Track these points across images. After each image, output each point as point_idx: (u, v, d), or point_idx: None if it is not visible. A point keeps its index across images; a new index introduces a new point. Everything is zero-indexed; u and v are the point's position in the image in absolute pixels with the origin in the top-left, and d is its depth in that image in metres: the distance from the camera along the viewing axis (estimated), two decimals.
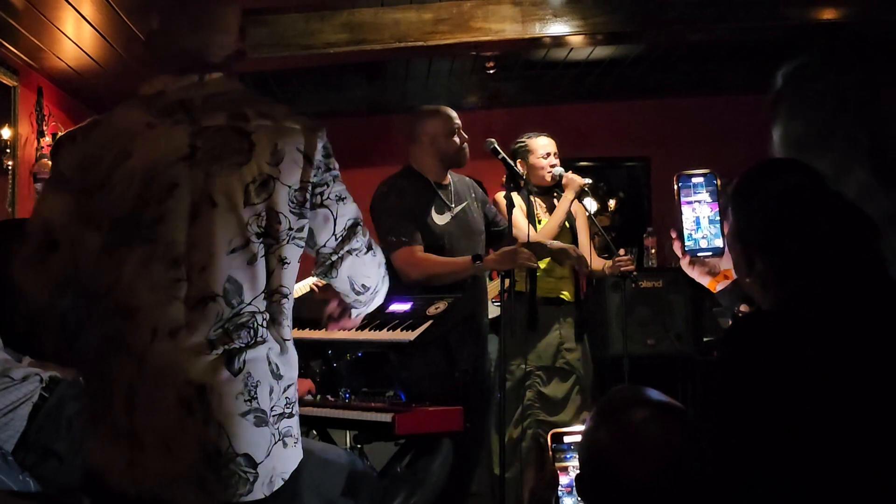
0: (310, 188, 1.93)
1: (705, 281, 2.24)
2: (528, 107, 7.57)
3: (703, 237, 2.19)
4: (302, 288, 5.19)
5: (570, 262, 4.22)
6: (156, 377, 1.80)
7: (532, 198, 4.47)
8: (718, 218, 2.17)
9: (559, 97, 7.58)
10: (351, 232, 2.03)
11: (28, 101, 5.39)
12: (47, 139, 5.48)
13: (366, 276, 2.12)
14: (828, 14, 5.22)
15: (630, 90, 7.49)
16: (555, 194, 4.57)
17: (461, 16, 5.32)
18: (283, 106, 2.00)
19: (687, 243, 2.19)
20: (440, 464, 3.00)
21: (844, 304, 1.71)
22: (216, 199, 1.84)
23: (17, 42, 4.82)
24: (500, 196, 4.29)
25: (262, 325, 1.85)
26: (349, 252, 2.05)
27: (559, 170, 4.50)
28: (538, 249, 4.00)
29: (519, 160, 4.53)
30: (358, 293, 2.15)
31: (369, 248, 2.09)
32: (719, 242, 2.17)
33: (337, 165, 2.02)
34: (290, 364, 1.91)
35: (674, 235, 2.21)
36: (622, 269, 4.44)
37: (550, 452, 2.06)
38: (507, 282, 3.90)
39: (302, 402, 2.51)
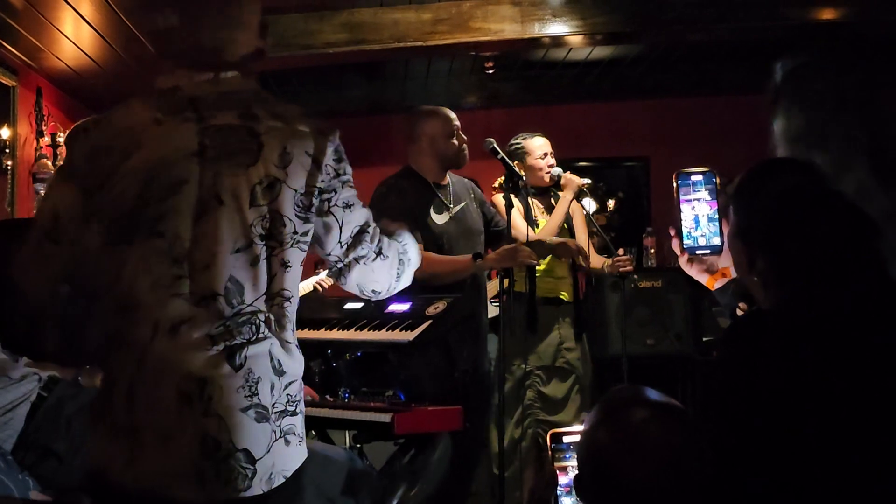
0: (316, 192, 1.91)
1: (703, 279, 2.24)
2: (527, 107, 7.58)
3: (701, 235, 2.19)
4: (305, 287, 5.20)
5: (570, 255, 4.21)
6: (156, 374, 1.80)
7: (529, 199, 4.48)
8: (717, 216, 2.17)
9: (558, 97, 7.58)
10: (357, 240, 2.01)
11: (27, 101, 5.39)
12: (46, 139, 5.48)
13: (375, 282, 2.10)
14: (828, 14, 5.22)
15: (629, 90, 7.49)
16: (552, 195, 4.57)
17: (460, 16, 5.32)
18: (297, 107, 1.98)
19: (686, 241, 2.19)
20: (439, 458, 3.01)
21: (845, 304, 1.71)
22: (223, 198, 1.84)
23: (17, 42, 4.82)
24: (499, 197, 4.29)
25: (263, 323, 1.84)
26: (356, 260, 2.03)
27: (557, 170, 4.50)
28: (538, 248, 4.00)
29: (516, 162, 4.52)
30: (368, 297, 2.15)
31: (379, 253, 2.06)
32: (718, 240, 2.17)
33: (349, 170, 1.99)
34: (294, 361, 1.90)
35: (672, 233, 2.21)
36: (621, 269, 4.44)
37: (549, 452, 2.06)
38: (506, 282, 3.90)
39: None
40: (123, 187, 1.86)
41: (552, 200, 4.56)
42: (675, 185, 2.20)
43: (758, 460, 1.65)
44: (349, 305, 3.62)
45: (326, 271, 4.68)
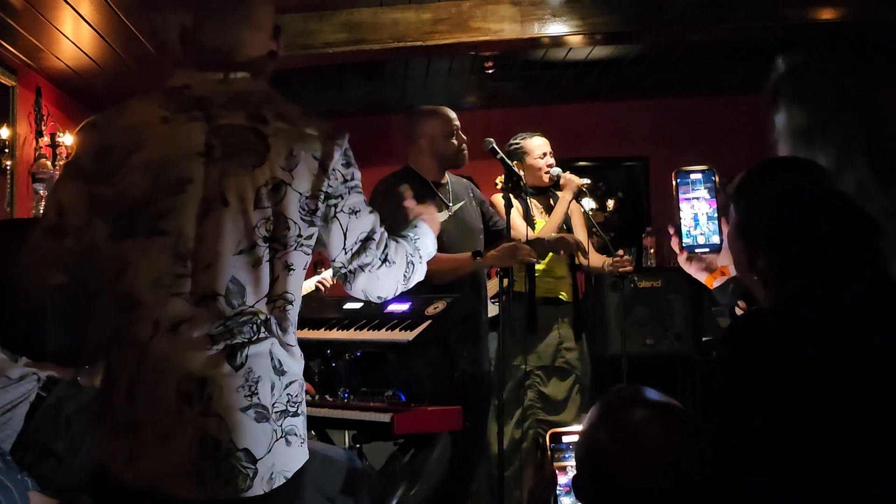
0: (322, 196, 1.90)
1: (702, 277, 2.24)
2: (527, 107, 7.57)
3: (700, 233, 2.19)
4: (307, 287, 5.20)
5: (569, 249, 4.20)
6: (156, 372, 1.80)
7: (528, 199, 4.48)
8: (716, 214, 2.17)
9: (558, 97, 7.58)
10: (363, 247, 1.99)
11: (26, 101, 5.38)
12: (46, 139, 5.48)
13: (381, 288, 2.08)
14: (827, 14, 5.22)
15: (629, 90, 7.49)
16: (550, 195, 4.57)
17: (460, 16, 5.32)
18: (307, 110, 1.97)
19: (685, 240, 2.20)
20: (438, 457, 3.01)
21: (845, 304, 1.71)
22: (228, 199, 1.83)
23: (16, 42, 4.82)
24: (498, 197, 4.29)
25: (264, 325, 1.84)
26: (361, 268, 2.01)
27: (557, 170, 4.50)
28: (538, 247, 4.00)
29: (515, 161, 4.52)
30: (375, 301, 2.15)
31: (384, 260, 2.04)
32: (717, 239, 2.17)
33: (357, 175, 1.98)
34: (295, 361, 1.89)
35: (672, 231, 2.21)
36: (620, 269, 4.44)
37: (549, 452, 2.06)
38: (505, 281, 3.90)
39: None
40: (128, 183, 1.85)
41: (550, 201, 4.56)
42: (674, 183, 2.20)
43: (758, 460, 1.65)
44: (348, 305, 3.63)
45: (328, 270, 4.68)
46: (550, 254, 4.35)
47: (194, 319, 1.81)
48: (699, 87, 7.51)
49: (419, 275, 2.17)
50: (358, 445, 3.67)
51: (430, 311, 3.30)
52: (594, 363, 4.71)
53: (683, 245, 2.20)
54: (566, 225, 4.50)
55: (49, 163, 5.27)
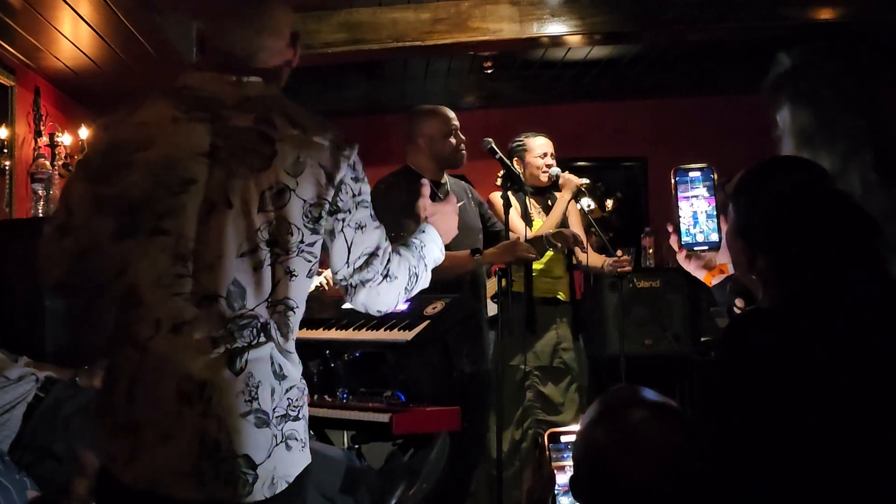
0: (326, 206, 1.89)
1: (701, 275, 2.24)
2: (526, 106, 7.57)
3: (700, 231, 2.19)
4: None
5: (567, 242, 4.20)
6: (156, 371, 1.79)
7: (527, 198, 4.48)
8: (715, 212, 2.17)
9: (557, 97, 7.58)
10: (366, 262, 1.99)
11: (25, 101, 5.38)
12: (44, 139, 5.47)
13: (381, 303, 2.07)
14: (827, 14, 5.22)
15: (628, 90, 7.49)
16: (548, 196, 4.58)
17: (459, 15, 5.32)
18: (320, 119, 1.96)
19: (684, 238, 2.20)
20: (437, 457, 3.01)
21: (844, 304, 1.71)
22: (232, 201, 1.83)
23: (14, 42, 4.81)
24: (496, 196, 4.30)
25: (263, 329, 1.84)
26: (362, 283, 2.01)
27: (556, 170, 4.51)
28: (537, 244, 4.01)
29: (515, 158, 4.55)
30: (375, 314, 2.14)
31: (386, 276, 2.03)
32: (716, 237, 2.17)
33: (365, 190, 1.98)
34: (294, 365, 1.89)
35: (671, 229, 2.21)
36: (619, 270, 4.45)
37: (547, 452, 2.05)
38: (504, 282, 3.90)
39: None
40: (132, 181, 1.85)
41: (549, 201, 4.56)
42: (672, 181, 2.20)
43: (757, 460, 1.65)
44: (347, 305, 3.62)
45: (328, 270, 4.68)
46: (549, 253, 4.36)
47: (195, 320, 1.80)
48: (698, 87, 7.51)
49: (423, 284, 2.16)
50: (357, 446, 3.67)
51: (429, 311, 3.30)
52: (593, 363, 4.71)
53: (682, 243, 2.20)
54: (564, 225, 4.50)
55: (48, 163, 5.25)
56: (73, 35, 4.77)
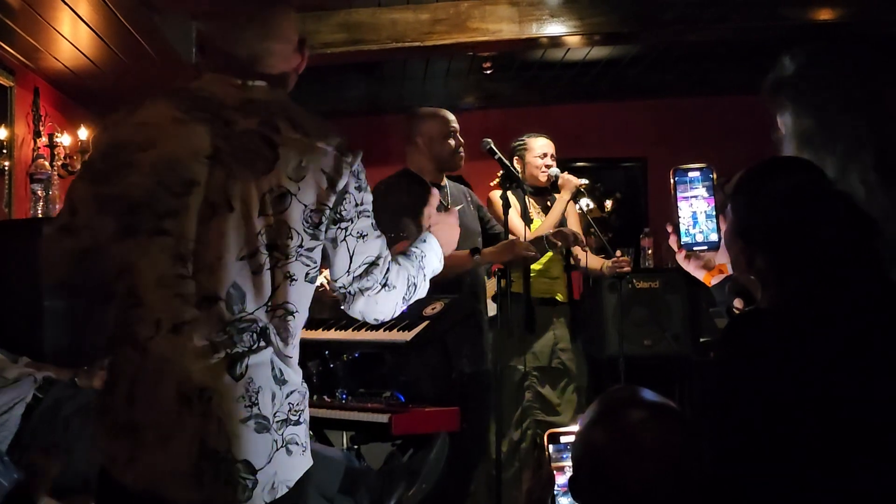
0: (327, 212, 1.89)
1: (700, 275, 2.24)
2: (525, 107, 7.58)
3: (699, 232, 2.19)
4: None
5: (567, 241, 4.19)
6: (156, 372, 1.79)
7: (526, 197, 4.49)
8: (714, 212, 2.17)
9: (556, 97, 7.58)
10: (366, 271, 1.99)
11: (24, 101, 5.38)
12: (43, 140, 5.47)
13: (378, 312, 2.07)
14: (827, 14, 5.22)
15: (627, 90, 7.50)
16: (548, 197, 4.58)
17: (458, 16, 5.32)
18: (326, 125, 1.96)
19: (683, 238, 2.19)
20: (436, 457, 3.01)
21: (844, 304, 1.71)
22: (233, 203, 1.82)
23: (14, 42, 4.82)
24: (496, 195, 4.30)
25: (262, 333, 1.84)
26: (361, 291, 2.01)
27: (555, 170, 4.52)
28: (538, 245, 4.01)
29: (516, 157, 4.56)
30: (372, 323, 2.15)
31: (384, 285, 2.03)
32: (715, 237, 2.17)
33: (368, 199, 1.98)
34: (295, 370, 1.89)
35: (670, 230, 2.21)
36: (618, 270, 4.45)
37: (547, 452, 2.05)
38: (503, 282, 3.90)
39: None
40: (134, 181, 1.85)
41: (548, 202, 4.57)
42: (672, 181, 2.20)
43: (756, 460, 1.65)
44: None
45: (328, 270, 4.67)
46: (549, 254, 4.35)
47: (195, 321, 1.80)
48: (698, 88, 7.52)
49: (421, 293, 2.16)
50: (356, 446, 3.66)
51: (428, 311, 3.30)
52: (592, 364, 4.71)
53: (682, 243, 2.20)
54: (563, 226, 4.50)
55: (47, 163, 5.26)
56: (72, 36, 4.77)
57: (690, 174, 2.20)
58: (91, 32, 4.71)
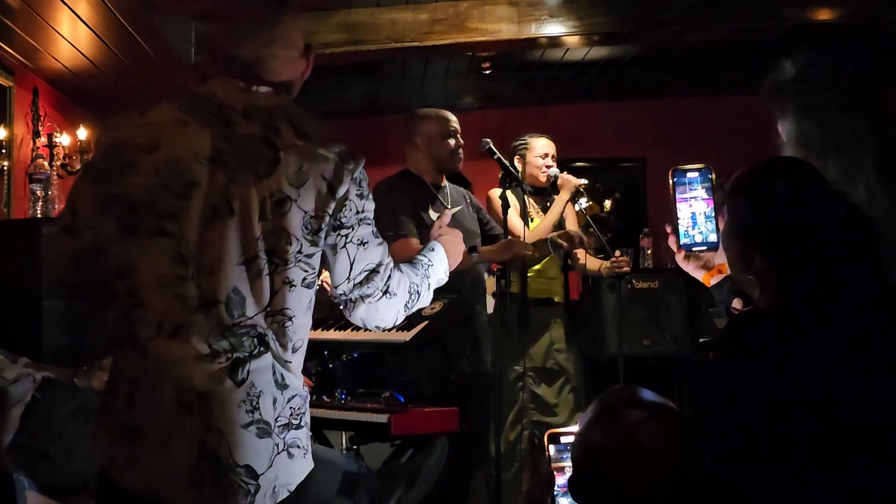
0: (327, 218, 1.89)
1: (699, 275, 2.24)
2: (524, 107, 7.58)
3: (698, 232, 2.19)
4: None
5: (572, 242, 4.19)
6: (156, 373, 1.79)
7: (526, 196, 4.49)
8: (713, 213, 2.17)
9: (555, 97, 7.58)
10: (367, 278, 1.99)
11: (23, 101, 5.37)
12: (43, 140, 5.47)
13: (379, 319, 2.07)
14: (827, 15, 5.22)
15: (626, 90, 7.50)
16: (547, 197, 4.58)
17: (457, 16, 5.32)
18: (329, 131, 1.95)
19: (682, 238, 2.20)
20: (436, 458, 3.00)
21: (844, 304, 1.71)
22: (234, 207, 1.82)
23: (13, 42, 4.81)
24: (495, 194, 4.30)
25: (261, 339, 1.83)
26: (362, 298, 2.01)
27: (555, 171, 4.52)
28: (541, 248, 4.02)
29: (517, 157, 4.57)
30: (373, 330, 2.15)
31: (385, 292, 2.03)
32: (714, 237, 2.18)
33: (369, 207, 1.98)
34: (296, 374, 1.89)
35: (669, 230, 2.21)
36: (617, 270, 4.45)
37: (547, 453, 2.05)
38: (502, 282, 3.90)
39: None
40: (136, 181, 1.85)
41: (548, 203, 4.57)
42: (671, 182, 2.20)
43: (757, 460, 1.65)
44: None
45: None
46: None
47: (195, 324, 1.80)
48: (697, 88, 7.52)
49: (424, 302, 2.16)
50: (355, 446, 3.66)
51: (428, 311, 3.29)
52: (591, 364, 4.71)
53: (681, 244, 2.20)
54: (561, 226, 4.50)
55: (46, 163, 5.25)
56: (71, 36, 4.77)
57: (689, 175, 2.20)
58: (90, 32, 4.70)
